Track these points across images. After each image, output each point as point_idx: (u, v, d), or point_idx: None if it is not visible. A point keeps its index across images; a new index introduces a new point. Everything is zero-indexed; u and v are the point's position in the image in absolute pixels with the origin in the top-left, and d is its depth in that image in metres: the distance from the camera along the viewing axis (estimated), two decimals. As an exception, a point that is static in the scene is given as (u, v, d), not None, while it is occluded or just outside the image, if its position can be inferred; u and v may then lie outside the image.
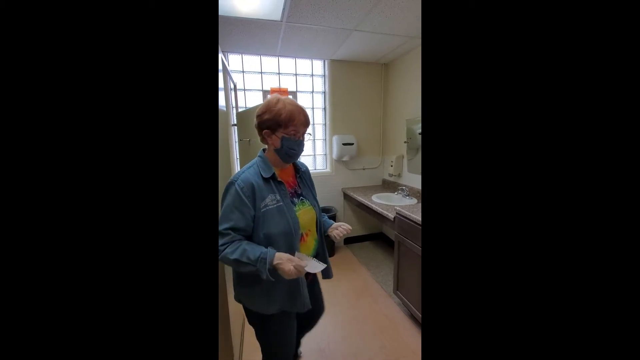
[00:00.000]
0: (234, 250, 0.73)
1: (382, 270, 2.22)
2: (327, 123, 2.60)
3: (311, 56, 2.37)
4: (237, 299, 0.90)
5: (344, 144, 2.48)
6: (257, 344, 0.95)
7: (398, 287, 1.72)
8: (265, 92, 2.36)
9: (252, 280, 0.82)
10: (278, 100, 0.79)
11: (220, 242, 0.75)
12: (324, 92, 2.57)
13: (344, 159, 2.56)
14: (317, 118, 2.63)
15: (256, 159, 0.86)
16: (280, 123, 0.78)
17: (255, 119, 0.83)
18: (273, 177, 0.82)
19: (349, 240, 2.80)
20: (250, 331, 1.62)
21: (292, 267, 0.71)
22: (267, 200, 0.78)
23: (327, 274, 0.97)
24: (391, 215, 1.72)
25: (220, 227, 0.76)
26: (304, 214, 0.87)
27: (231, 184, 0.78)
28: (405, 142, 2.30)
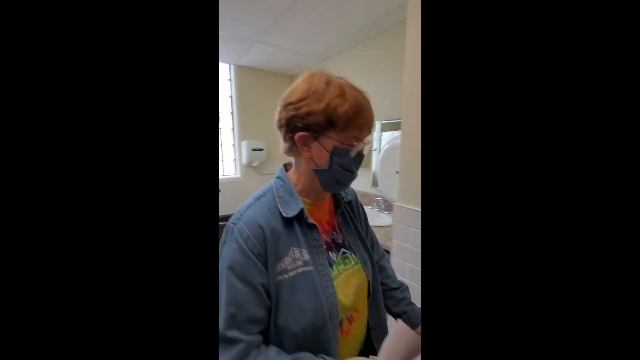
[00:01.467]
0: None
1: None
2: (236, 128, 2.56)
3: (215, 58, 2.29)
4: None
5: (253, 149, 2.50)
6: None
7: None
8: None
9: None
10: (329, 81, 0.43)
11: (227, 357, 0.38)
12: (232, 96, 2.52)
13: (254, 164, 2.57)
14: (225, 122, 2.55)
15: (270, 183, 0.50)
16: (333, 121, 0.42)
17: (279, 110, 0.46)
18: (300, 217, 0.46)
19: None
20: None
21: None
22: (286, 261, 0.43)
23: None
24: (298, 216, 1.86)
25: (221, 325, 0.39)
26: (348, 280, 0.49)
27: (228, 232, 0.44)
28: (310, 148, 2.52)
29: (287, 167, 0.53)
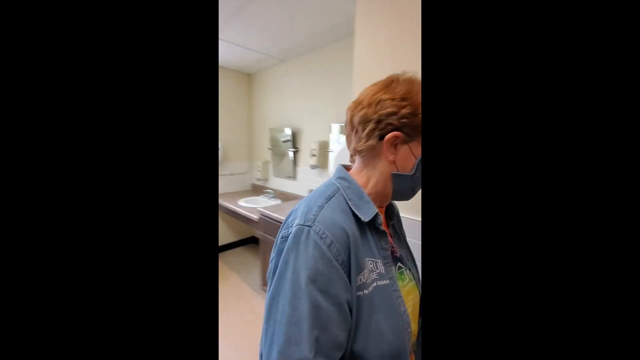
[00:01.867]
0: None
1: (253, 272, 2.30)
2: (188, 126, 2.42)
3: (164, 50, 2.14)
4: None
5: (208, 149, 2.38)
6: None
7: (264, 282, 1.86)
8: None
9: None
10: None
11: None
12: (183, 92, 2.37)
13: (210, 164, 2.45)
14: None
15: (334, 183, 0.44)
16: None
17: (365, 106, 0.41)
18: (373, 222, 0.41)
19: (219, 249, 2.69)
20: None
21: None
22: (365, 273, 0.37)
23: None
24: (256, 217, 1.84)
25: (306, 351, 0.31)
26: (406, 299, 0.43)
27: (301, 235, 0.36)
28: (269, 148, 2.50)
29: (346, 168, 0.47)
